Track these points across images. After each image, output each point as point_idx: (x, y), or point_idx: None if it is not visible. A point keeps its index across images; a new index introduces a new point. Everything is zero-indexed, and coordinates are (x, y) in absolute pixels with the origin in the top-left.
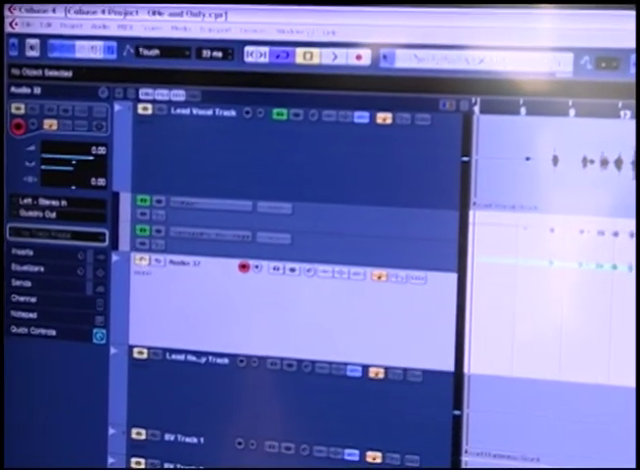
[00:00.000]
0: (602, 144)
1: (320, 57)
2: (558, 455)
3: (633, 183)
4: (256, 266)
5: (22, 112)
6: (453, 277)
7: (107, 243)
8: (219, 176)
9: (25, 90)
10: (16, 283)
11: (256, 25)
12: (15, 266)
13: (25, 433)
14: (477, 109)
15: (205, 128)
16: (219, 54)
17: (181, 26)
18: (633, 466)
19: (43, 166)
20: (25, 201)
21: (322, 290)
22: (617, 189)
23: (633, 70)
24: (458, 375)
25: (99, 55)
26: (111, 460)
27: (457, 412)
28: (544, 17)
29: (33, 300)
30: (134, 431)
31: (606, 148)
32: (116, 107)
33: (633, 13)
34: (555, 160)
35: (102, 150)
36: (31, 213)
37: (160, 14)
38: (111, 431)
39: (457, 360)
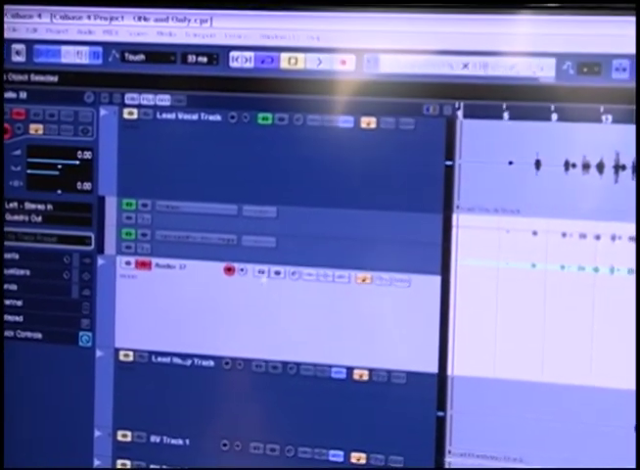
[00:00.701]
0: (584, 148)
1: (305, 62)
2: (541, 456)
3: (615, 187)
4: (242, 269)
5: (8, 116)
6: (437, 280)
7: (93, 246)
8: (205, 180)
9: (12, 95)
10: None
11: (241, 31)
12: None
13: (12, 435)
14: (460, 113)
15: (190, 133)
16: (204, 59)
17: (166, 32)
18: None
19: (29, 171)
20: (11, 205)
21: (307, 293)
22: (598, 193)
23: (615, 74)
24: (442, 377)
25: (85, 60)
26: (96, 462)
27: (441, 413)
28: (526, 22)
29: (19, 303)
30: (120, 433)
31: (588, 152)
32: (102, 111)
33: (614, 18)
34: (537, 164)
35: (88, 154)
36: (17, 217)
37: (145, 19)
38: (96, 433)
39: (441, 362)
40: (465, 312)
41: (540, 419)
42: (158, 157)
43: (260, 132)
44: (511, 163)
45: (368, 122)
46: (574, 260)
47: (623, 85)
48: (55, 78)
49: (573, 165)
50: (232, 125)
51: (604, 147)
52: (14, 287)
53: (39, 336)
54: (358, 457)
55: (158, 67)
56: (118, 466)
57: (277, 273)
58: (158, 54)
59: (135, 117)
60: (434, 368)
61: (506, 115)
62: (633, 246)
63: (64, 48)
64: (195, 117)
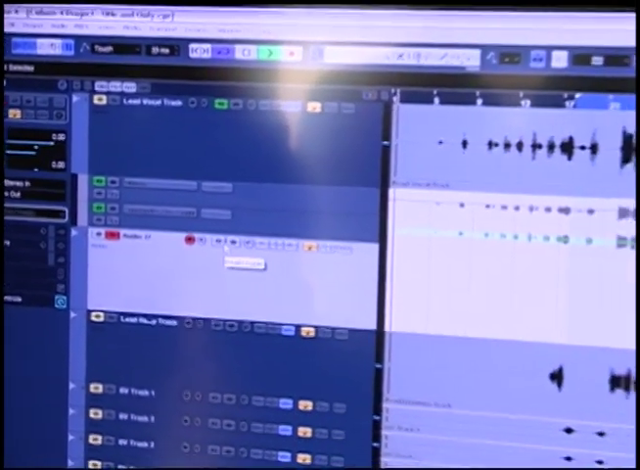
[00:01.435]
0: (505, 129)
1: (257, 53)
2: (466, 402)
3: (532, 163)
4: (201, 239)
5: None
6: (375, 247)
7: (66, 219)
8: (167, 159)
9: None
10: None
11: (200, 25)
12: None
13: None
14: (396, 99)
15: (154, 117)
16: (167, 50)
17: (132, 26)
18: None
19: (8, 151)
20: None
21: (259, 259)
22: (518, 168)
23: (533, 64)
24: (380, 333)
25: (58, 51)
26: (71, 411)
27: (379, 365)
28: (455, 18)
29: None
30: (92, 386)
31: (508, 132)
32: (74, 98)
33: (532, 14)
34: (464, 143)
35: (61, 136)
36: None
37: (113, 14)
38: (71, 386)
39: (379, 320)
40: (400, 276)
41: (466, 370)
42: (125, 138)
43: (217, 116)
44: (441, 142)
45: (314, 107)
46: (497, 229)
47: (540, 73)
48: (31, 68)
49: (496, 144)
50: (192, 110)
51: (523, 128)
52: None
53: (19, 299)
54: (305, 405)
55: (124, 57)
56: (91, 415)
57: (233, 242)
58: (124, 46)
59: (104, 102)
60: (372, 325)
61: (437, 100)
62: (549, 215)
63: (39, 41)
64: (158, 102)
